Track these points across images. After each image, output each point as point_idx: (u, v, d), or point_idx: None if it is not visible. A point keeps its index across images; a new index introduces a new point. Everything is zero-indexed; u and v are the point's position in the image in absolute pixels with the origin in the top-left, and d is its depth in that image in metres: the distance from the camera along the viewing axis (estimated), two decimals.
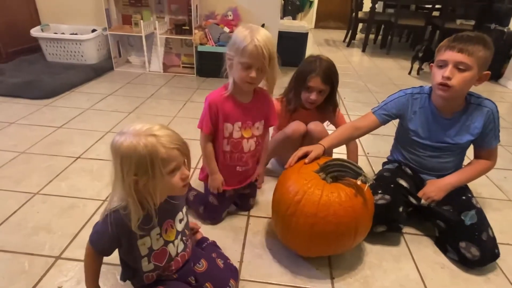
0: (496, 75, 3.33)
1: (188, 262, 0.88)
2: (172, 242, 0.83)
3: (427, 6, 4.44)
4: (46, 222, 1.19)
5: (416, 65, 3.42)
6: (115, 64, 3.02)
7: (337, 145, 1.22)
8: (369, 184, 0.96)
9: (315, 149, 1.10)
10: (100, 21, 2.94)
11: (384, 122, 1.25)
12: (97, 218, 1.21)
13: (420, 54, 3.26)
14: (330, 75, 1.32)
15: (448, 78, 1.04)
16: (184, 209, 0.88)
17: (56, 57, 2.93)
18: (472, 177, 1.22)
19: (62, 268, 1.01)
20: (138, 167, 0.68)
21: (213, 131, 1.12)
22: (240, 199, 1.31)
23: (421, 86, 1.24)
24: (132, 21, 2.92)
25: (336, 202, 0.95)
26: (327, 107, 1.41)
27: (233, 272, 0.97)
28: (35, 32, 2.84)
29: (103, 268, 0.99)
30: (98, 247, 0.78)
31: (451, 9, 4.25)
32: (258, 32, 0.99)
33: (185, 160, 0.75)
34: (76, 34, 2.92)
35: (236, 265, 1.04)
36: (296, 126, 1.37)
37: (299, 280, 1.03)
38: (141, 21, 2.77)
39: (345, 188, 0.98)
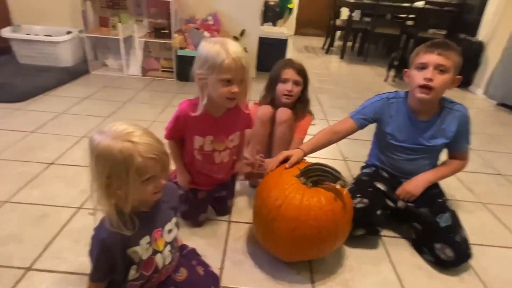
0: (465, 83, 3.49)
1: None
2: (161, 252, 0.81)
3: (402, 15, 4.61)
4: (17, 232, 1.13)
5: (392, 73, 3.53)
6: (91, 67, 2.94)
7: (317, 149, 1.24)
8: (347, 188, 0.98)
9: (295, 154, 1.11)
10: (76, 23, 2.86)
11: (361, 126, 1.27)
12: (71, 226, 1.17)
13: (396, 63, 3.37)
14: (301, 69, 1.39)
15: (430, 80, 1.08)
16: (174, 220, 0.85)
17: (29, 59, 2.81)
18: (447, 174, 1.28)
19: (33, 280, 0.96)
20: (111, 171, 0.66)
21: (178, 139, 1.12)
22: (217, 203, 1.30)
23: (396, 91, 1.28)
24: (109, 23, 2.86)
25: (316, 206, 0.95)
26: (299, 108, 1.44)
27: (214, 280, 0.95)
28: (6, 33, 2.72)
29: (76, 278, 0.96)
30: (102, 278, 0.76)
31: (424, 19, 4.43)
32: (230, 44, 0.96)
33: (163, 170, 0.73)
34: (50, 35, 2.82)
35: (217, 272, 1.03)
36: (265, 109, 1.40)
37: (281, 285, 1.03)
38: (119, 24, 2.72)
39: (325, 192, 0.99)
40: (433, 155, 1.28)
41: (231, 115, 1.11)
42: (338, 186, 0.98)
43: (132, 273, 0.77)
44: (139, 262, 0.76)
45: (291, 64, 1.38)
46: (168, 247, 0.83)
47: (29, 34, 2.81)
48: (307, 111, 1.46)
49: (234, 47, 0.96)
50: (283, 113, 1.38)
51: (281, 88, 1.38)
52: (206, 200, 1.24)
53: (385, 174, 1.33)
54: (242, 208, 1.36)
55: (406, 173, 1.29)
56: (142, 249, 0.76)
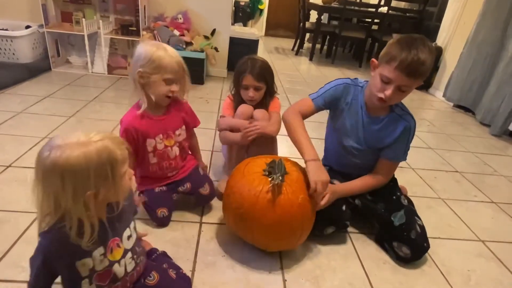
0: (426, 85, 3.69)
1: (138, 279, 0.83)
2: (118, 261, 0.76)
3: (367, 20, 4.79)
4: None
5: None
6: (53, 64, 2.79)
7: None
8: (276, 183, 1.00)
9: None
10: (35, 17, 2.69)
11: (318, 110, 1.24)
12: (31, 232, 1.11)
13: None
14: (261, 72, 1.39)
15: (389, 98, 1.07)
16: (132, 224, 0.82)
17: None
18: (360, 190, 1.24)
19: None
20: (97, 176, 0.62)
21: (133, 151, 1.13)
22: (192, 195, 1.30)
23: (355, 78, 1.24)
24: (73, 19, 2.73)
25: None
26: (267, 102, 1.48)
27: (186, 282, 0.94)
28: None
29: None
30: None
31: (388, 24, 4.64)
32: (169, 48, 1.10)
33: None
34: (6, 29, 2.65)
35: (189, 274, 1.01)
36: (244, 108, 1.42)
37: (253, 285, 1.03)
38: (83, 19, 2.60)
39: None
40: (366, 158, 1.26)
41: (172, 110, 1.21)
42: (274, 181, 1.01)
43: (86, 286, 0.72)
44: (91, 274, 0.72)
45: (250, 69, 1.37)
46: (129, 254, 0.79)
47: None
48: (271, 99, 1.49)
49: (174, 52, 1.10)
50: (260, 113, 1.42)
51: (244, 94, 1.43)
52: (165, 193, 1.24)
53: (337, 170, 1.34)
54: (213, 209, 1.35)
55: (347, 173, 1.29)
56: (95, 261, 0.71)
